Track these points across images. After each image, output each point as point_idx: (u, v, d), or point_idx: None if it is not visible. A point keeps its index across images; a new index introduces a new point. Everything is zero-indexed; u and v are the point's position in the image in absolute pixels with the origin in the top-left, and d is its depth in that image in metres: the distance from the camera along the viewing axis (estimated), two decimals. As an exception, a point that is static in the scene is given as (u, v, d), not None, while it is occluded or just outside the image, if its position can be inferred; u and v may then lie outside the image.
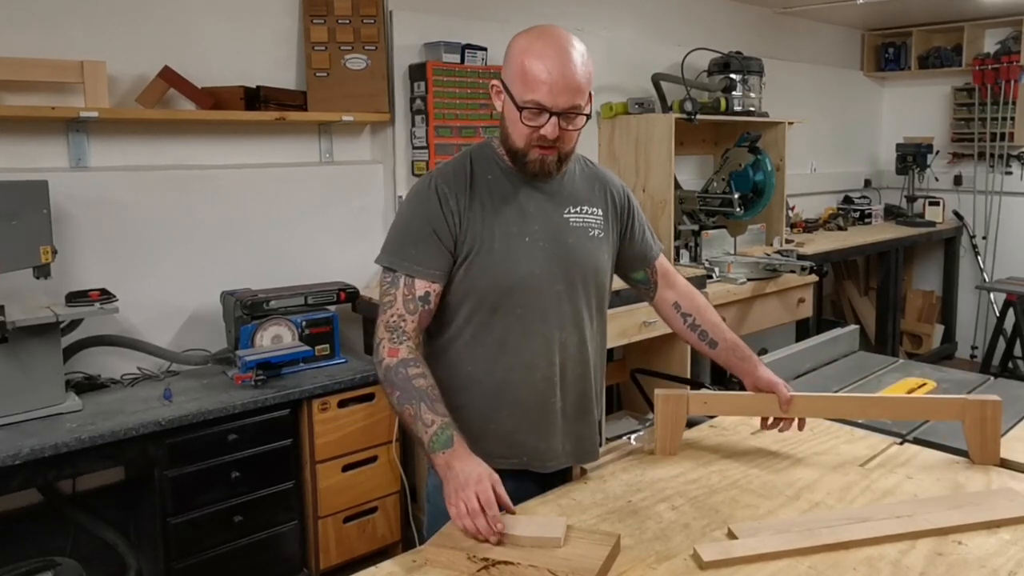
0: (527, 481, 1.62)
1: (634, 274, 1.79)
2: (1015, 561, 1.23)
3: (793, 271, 3.99)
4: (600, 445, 1.70)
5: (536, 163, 1.54)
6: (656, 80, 4.14)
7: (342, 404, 2.69)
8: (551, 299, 1.58)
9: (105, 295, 2.43)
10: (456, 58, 3.32)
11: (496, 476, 1.40)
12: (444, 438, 1.42)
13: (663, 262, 1.81)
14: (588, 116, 1.52)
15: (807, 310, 4.31)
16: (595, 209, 1.67)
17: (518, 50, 1.49)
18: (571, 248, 1.60)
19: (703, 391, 1.85)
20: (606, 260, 1.68)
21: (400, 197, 3.28)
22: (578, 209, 1.64)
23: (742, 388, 1.73)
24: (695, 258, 4.09)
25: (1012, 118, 5.38)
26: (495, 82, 1.56)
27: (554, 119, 1.47)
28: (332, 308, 2.92)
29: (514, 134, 1.52)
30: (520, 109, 1.47)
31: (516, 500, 1.53)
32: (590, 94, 1.51)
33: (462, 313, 1.58)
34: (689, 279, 3.56)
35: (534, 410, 1.59)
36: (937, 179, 5.78)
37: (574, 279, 1.61)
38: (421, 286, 1.53)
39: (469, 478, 1.36)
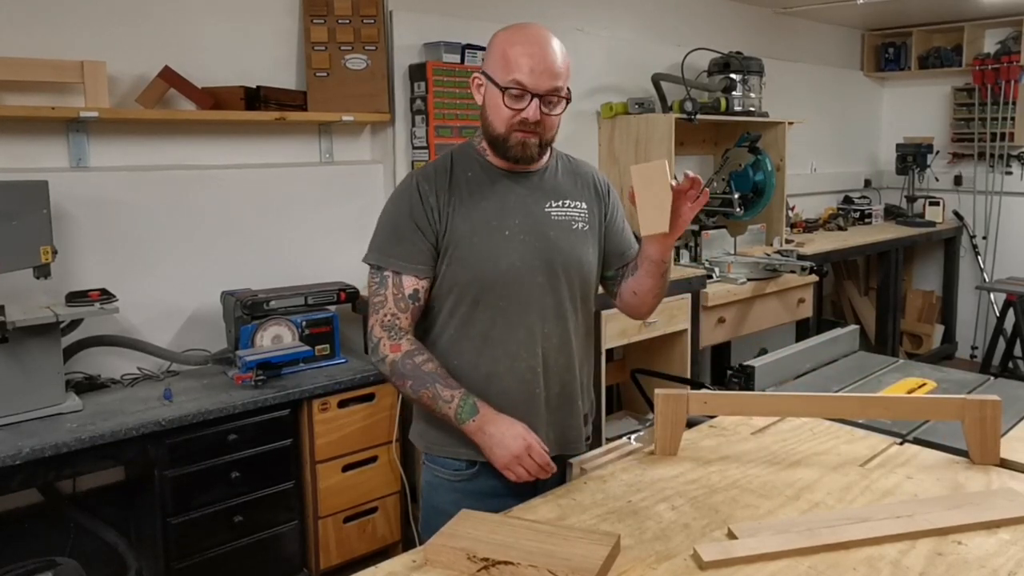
0: None
1: (607, 271, 1.79)
2: (1015, 561, 1.23)
3: (793, 271, 3.99)
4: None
5: (518, 147, 1.57)
6: (656, 80, 4.14)
7: (342, 404, 2.69)
8: (532, 291, 1.61)
9: (105, 295, 2.43)
10: (456, 58, 3.32)
11: (528, 429, 1.56)
12: (468, 407, 1.54)
13: None
14: (568, 100, 1.58)
15: (807, 310, 4.31)
16: (578, 203, 1.70)
17: (499, 41, 1.56)
18: (553, 241, 1.63)
19: (703, 391, 1.85)
20: (591, 252, 1.70)
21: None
22: (560, 203, 1.67)
23: (742, 388, 1.73)
24: (695, 258, 4.08)
25: (1012, 118, 5.38)
26: (476, 75, 1.61)
27: (535, 101, 1.53)
28: (332, 308, 2.92)
29: (496, 120, 1.56)
30: (503, 90, 1.52)
31: (506, 493, 1.57)
32: (568, 89, 1.57)
33: (446, 308, 1.62)
34: (689, 279, 3.61)
35: (519, 400, 1.62)
36: (937, 179, 5.78)
37: (556, 271, 1.63)
38: (409, 283, 1.59)
39: (509, 442, 1.52)
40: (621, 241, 1.78)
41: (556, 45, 1.55)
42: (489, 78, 1.56)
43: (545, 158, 1.68)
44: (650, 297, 1.70)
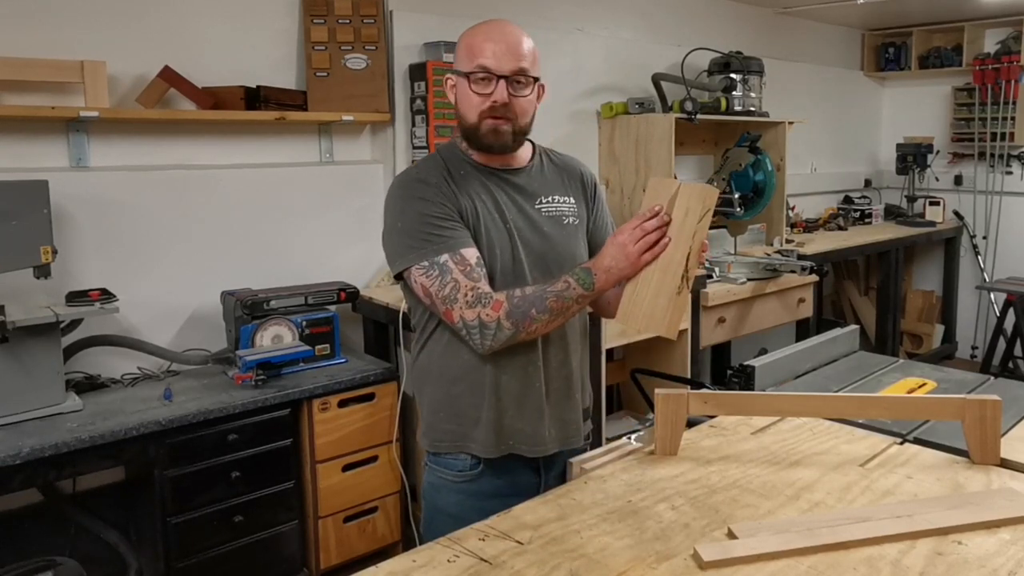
0: (519, 468, 1.66)
1: None
2: (1015, 561, 1.23)
3: (793, 271, 3.99)
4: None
5: (490, 134, 1.58)
6: (656, 80, 4.14)
7: (342, 404, 2.69)
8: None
9: (105, 295, 2.43)
10: (456, 58, 3.32)
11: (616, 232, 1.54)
12: (582, 275, 1.52)
13: None
14: (539, 83, 1.60)
15: (807, 310, 4.31)
16: (567, 198, 1.71)
17: (463, 37, 1.61)
18: (546, 237, 1.65)
19: (703, 391, 1.84)
20: (582, 247, 1.72)
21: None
22: (550, 199, 1.68)
23: (742, 388, 1.73)
24: (695, 258, 4.08)
25: (1012, 118, 5.38)
26: (447, 76, 1.63)
27: (502, 83, 1.54)
28: (332, 308, 2.92)
29: (467, 110, 1.58)
30: (468, 76, 1.54)
31: (510, 493, 1.56)
32: (539, 81, 1.60)
33: None
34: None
35: (521, 395, 1.63)
36: (937, 179, 5.78)
37: (550, 268, 1.64)
38: (471, 254, 1.54)
39: (614, 245, 1.52)
40: (604, 240, 1.76)
41: (519, 31, 1.57)
42: (457, 73, 1.59)
43: (528, 155, 1.70)
44: (612, 309, 1.67)
